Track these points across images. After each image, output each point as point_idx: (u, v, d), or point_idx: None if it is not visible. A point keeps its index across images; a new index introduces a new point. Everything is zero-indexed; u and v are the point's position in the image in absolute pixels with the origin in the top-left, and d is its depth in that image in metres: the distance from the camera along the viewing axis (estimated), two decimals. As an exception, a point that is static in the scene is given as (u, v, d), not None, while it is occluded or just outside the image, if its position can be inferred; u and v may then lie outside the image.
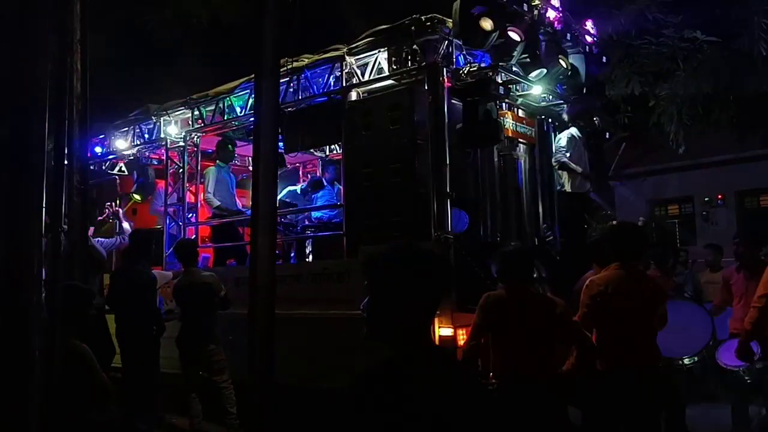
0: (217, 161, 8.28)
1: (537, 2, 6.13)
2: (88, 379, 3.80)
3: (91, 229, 8.08)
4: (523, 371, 3.90)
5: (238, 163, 9.37)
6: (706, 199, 16.19)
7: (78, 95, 5.67)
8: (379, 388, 1.79)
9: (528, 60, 5.98)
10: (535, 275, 6.18)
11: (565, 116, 7.17)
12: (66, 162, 5.51)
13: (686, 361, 5.73)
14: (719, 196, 16.02)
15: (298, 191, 8.65)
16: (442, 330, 5.22)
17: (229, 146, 8.27)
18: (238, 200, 8.41)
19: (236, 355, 5.70)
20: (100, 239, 8.04)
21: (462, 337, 5.03)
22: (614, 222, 6.57)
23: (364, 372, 1.88)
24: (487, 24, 5.41)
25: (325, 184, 8.47)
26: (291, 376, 5.58)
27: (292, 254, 8.04)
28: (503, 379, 3.96)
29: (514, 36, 5.69)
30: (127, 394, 5.87)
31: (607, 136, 7.39)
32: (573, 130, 7.09)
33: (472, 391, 1.81)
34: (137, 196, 8.98)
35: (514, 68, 6.16)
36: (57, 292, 3.44)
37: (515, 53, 5.78)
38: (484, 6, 5.42)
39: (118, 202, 9.36)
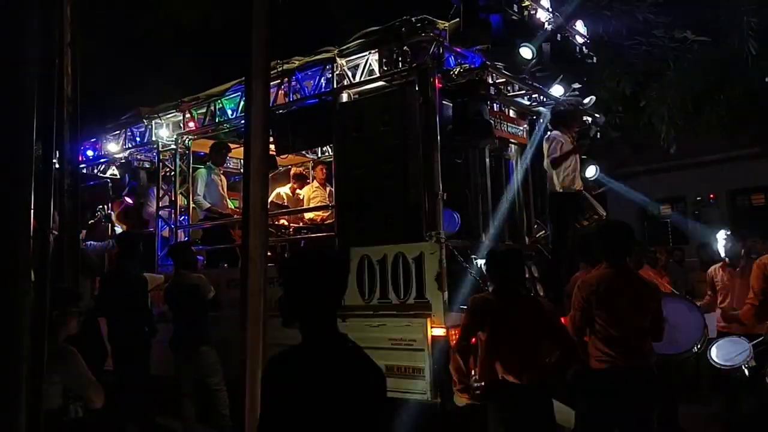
0: (208, 163, 8.27)
1: (527, 3, 6.14)
2: (74, 381, 3.79)
3: (83, 232, 8.07)
4: (510, 372, 3.91)
5: (230, 166, 9.36)
6: (698, 198, 16.25)
7: (68, 98, 5.66)
8: (288, 366, 2.24)
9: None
10: (527, 275, 6.22)
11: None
12: (57, 165, 5.50)
13: (679, 360, 5.74)
14: (711, 196, 16.08)
15: (284, 193, 8.66)
16: (435, 330, 5.23)
17: (224, 150, 8.26)
18: (229, 202, 8.40)
19: (229, 357, 5.70)
20: (91, 243, 8.02)
21: (454, 337, 5.04)
22: (603, 220, 6.57)
23: (278, 354, 2.31)
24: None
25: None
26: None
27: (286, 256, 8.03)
28: (491, 381, 3.97)
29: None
30: (118, 397, 5.84)
31: (599, 136, 7.40)
32: (560, 130, 7.09)
33: (364, 367, 2.24)
34: (129, 199, 8.96)
35: (504, 70, 6.17)
36: (45, 295, 3.43)
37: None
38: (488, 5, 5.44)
39: (109, 205, 9.35)
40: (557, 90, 6.61)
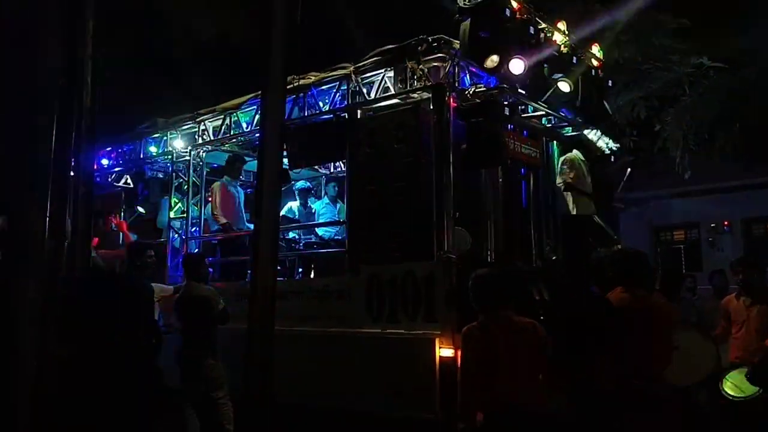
0: (225, 176, 8.30)
1: (543, 25, 6.17)
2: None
3: (95, 240, 8.10)
4: (508, 401, 3.83)
5: (243, 178, 9.39)
6: (712, 225, 16.12)
7: (87, 109, 5.72)
8: None
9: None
10: (537, 298, 6.16)
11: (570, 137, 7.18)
12: (72, 173, 5.55)
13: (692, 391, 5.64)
14: (725, 223, 15.96)
15: (295, 208, 8.66)
16: (443, 350, 5.18)
17: (237, 163, 8.29)
18: (245, 216, 8.40)
19: (235, 371, 5.67)
20: (102, 251, 8.05)
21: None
22: (619, 246, 6.51)
23: None
24: (493, 60, 5.47)
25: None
26: (289, 393, 5.54)
27: (300, 270, 8.01)
28: (490, 413, 3.89)
29: (519, 63, 5.72)
30: (123, 407, 5.81)
31: (612, 160, 7.37)
32: (576, 153, 7.08)
33: None
34: (142, 209, 9.01)
35: (519, 89, 6.18)
36: (55, 302, 3.43)
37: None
38: (491, 29, 5.45)
39: (122, 214, 9.40)
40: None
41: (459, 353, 4.99)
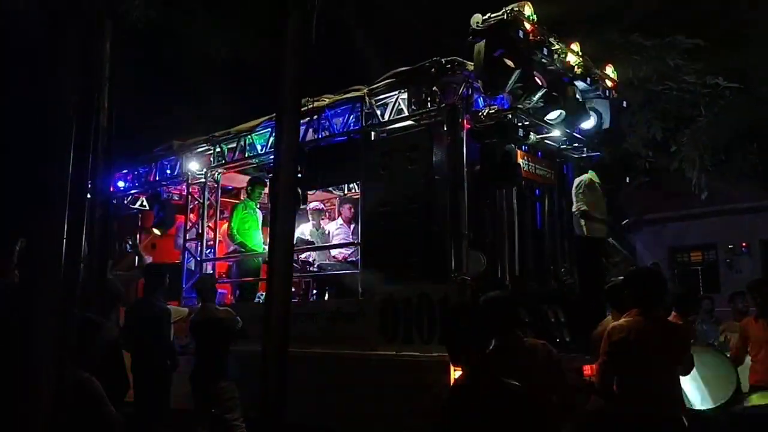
0: (246, 199, 8.36)
1: (557, 46, 6.18)
2: (92, 410, 3.76)
3: (111, 262, 8.14)
4: None
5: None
6: (730, 246, 15.95)
7: (103, 130, 5.80)
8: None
9: (542, 104, 6.02)
10: (553, 320, 6.10)
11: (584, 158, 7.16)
12: (89, 195, 5.61)
13: (711, 414, 5.53)
14: (743, 244, 15.78)
15: (307, 231, 8.69)
16: (457, 373, 5.12)
17: (258, 187, 8.32)
18: (262, 237, 8.41)
19: (248, 393, 5.65)
20: (118, 272, 8.09)
21: (477, 381, 4.93)
22: (633, 267, 6.45)
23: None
24: (511, 65, 5.48)
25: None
26: (303, 415, 5.50)
27: (314, 292, 8.00)
28: None
29: (536, 80, 5.74)
30: (137, 428, 5.81)
31: (627, 181, 7.33)
32: (592, 175, 7.04)
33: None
34: (157, 231, 9.06)
35: (533, 111, 6.18)
36: (72, 323, 3.45)
37: (535, 97, 5.81)
38: (506, 49, 5.48)
39: (138, 236, 9.46)
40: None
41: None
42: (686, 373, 4.18)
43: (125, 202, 9.86)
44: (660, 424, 3.90)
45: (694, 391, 5.09)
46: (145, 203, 9.75)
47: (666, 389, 3.96)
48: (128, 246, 8.91)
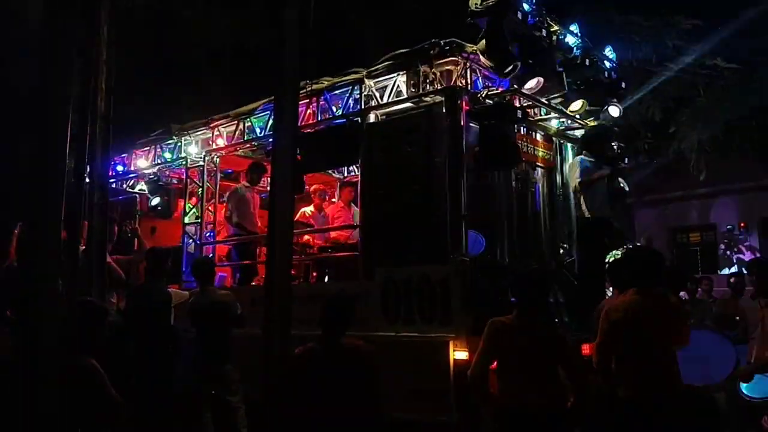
0: (243, 182, 8.35)
1: (555, 28, 6.15)
2: (95, 395, 3.79)
3: (109, 246, 8.15)
4: (528, 401, 3.82)
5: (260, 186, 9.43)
6: (728, 227, 15.97)
7: (102, 115, 5.79)
8: None
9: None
10: (551, 300, 6.13)
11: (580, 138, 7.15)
12: (87, 179, 5.61)
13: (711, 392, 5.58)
14: (742, 224, 15.80)
15: (308, 212, 8.68)
16: (458, 353, 5.17)
17: (257, 171, 8.31)
18: (258, 220, 8.43)
19: (250, 375, 5.68)
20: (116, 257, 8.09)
21: (477, 360, 4.97)
22: (630, 246, 6.46)
23: None
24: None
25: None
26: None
27: (314, 274, 8.03)
28: (507, 408, 3.88)
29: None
30: (140, 413, 5.85)
31: (626, 162, 7.32)
32: (586, 155, 7.04)
33: None
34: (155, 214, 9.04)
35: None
36: (73, 307, 3.47)
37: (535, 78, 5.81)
38: (503, 32, 5.45)
39: (137, 219, 9.47)
40: (575, 105, 6.60)
41: (473, 356, 5.02)
42: (679, 347, 4.19)
43: (124, 186, 9.86)
44: (661, 401, 3.94)
45: (693, 369, 5.12)
46: (144, 187, 9.74)
47: (664, 367, 4.00)
48: (128, 230, 8.90)
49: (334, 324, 3.90)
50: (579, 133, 7.25)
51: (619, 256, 5.49)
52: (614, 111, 6.78)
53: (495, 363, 4.02)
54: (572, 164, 7.03)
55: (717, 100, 9.92)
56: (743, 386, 5.33)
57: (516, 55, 5.48)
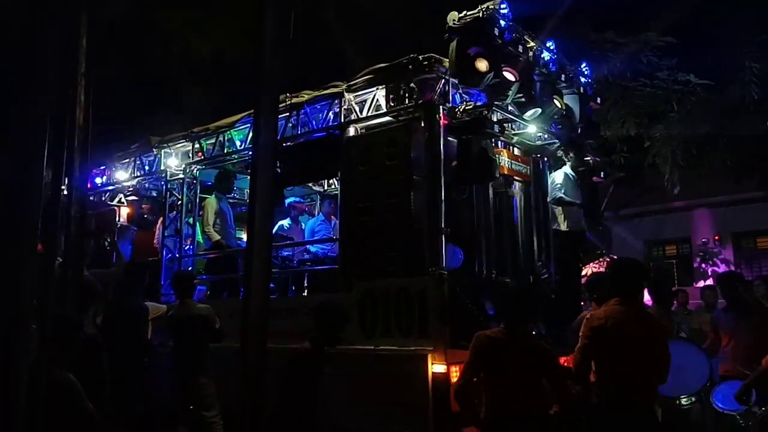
0: (215, 192, 8.31)
1: (532, 44, 6.26)
2: (73, 410, 3.75)
3: (87, 259, 8.07)
4: (514, 409, 3.88)
5: (237, 197, 9.41)
6: (703, 240, 16.24)
7: (80, 126, 5.75)
8: None
9: (523, 99, 6.10)
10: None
11: (559, 154, 7.25)
12: (65, 192, 5.56)
13: (683, 401, 5.67)
14: (716, 237, 16.08)
15: (286, 225, 8.68)
16: (436, 367, 5.19)
17: (228, 179, 8.31)
18: (236, 233, 8.42)
19: (227, 389, 5.65)
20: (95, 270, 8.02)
21: (455, 373, 5.00)
22: (614, 257, 6.57)
23: None
24: (482, 65, 5.53)
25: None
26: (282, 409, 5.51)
27: (293, 288, 8.01)
28: (495, 417, 3.94)
29: (509, 76, 5.81)
30: (115, 427, 5.78)
31: (602, 176, 7.45)
32: (566, 169, 7.15)
33: None
34: (134, 227, 9.00)
35: (509, 107, 6.26)
36: (48, 321, 3.44)
37: (510, 93, 5.88)
38: (480, 47, 5.54)
39: (116, 233, 9.38)
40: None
41: (451, 369, 5.04)
42: (665, 373, 4.25)
43: (103, 198, 9.78)
44: (637, 410, 4.00)
45: (669, 380, 5.20)
46: (123, 200, 9.68)
47: (640, 377, 4.06)
48: (106, 243, 8.83)
49: None
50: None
51: (597, 269, 5.57)
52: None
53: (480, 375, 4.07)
54: (554, 177, 7.12)
55: (689, 115, 10.15)
56: (716, 398, 5.43)
57: (486, 72, 5.57)
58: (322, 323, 4.60)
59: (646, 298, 7.17)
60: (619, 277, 4.32)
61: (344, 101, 6.58)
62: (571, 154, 7.01)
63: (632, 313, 4.14)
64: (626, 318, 4.10)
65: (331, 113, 6.74)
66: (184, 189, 8.30)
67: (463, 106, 5.97)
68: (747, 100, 9.35)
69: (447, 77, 5.91)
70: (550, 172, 7.32)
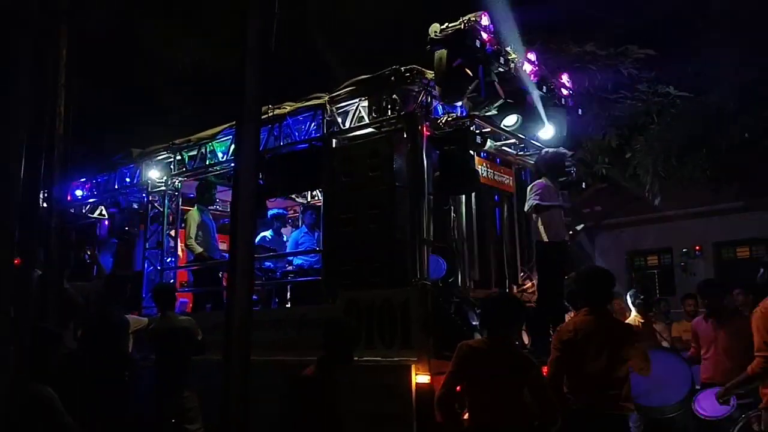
0: (197, 205, 8.26)
1: (514, 56, 6.32)
2: (52, 423, 3.70)
3: (67, 272, 7.98)
4: (497, 419, 3.88)
5: (220, 209, 9.36)
6: (684, 250, 16.39)
7: (60, 138, 5.71)
8: None
9: (507, 111, 6.15)
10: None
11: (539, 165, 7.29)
12: (45, 204, 5.51)
13: (666, 411, 5.69)
14: (697, 248, 16.24)
15: (269, 237, 8.64)
16: (419, 377, 5.18)
17: (209, 190, 8.26)
18: (219, 245, 8.36)
19: (209, 402, 5.60)
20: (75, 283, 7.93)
21: (439, 383, 4.99)
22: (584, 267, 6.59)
23: None
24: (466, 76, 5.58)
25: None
26: (267, 424, 5.47)
27: (276, 300, 7.97)
28: (478, 426, 3.93)
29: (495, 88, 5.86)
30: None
31: (584, 186, 7.51)
32: (545, 180, 7.19)
33: None
34: (116, 240, 8.92)
35: (491, 118, 6.30)
36: (27, 334, 3.39)
37: (492, 104, 5.93)
38: (462, 58, 5.58)
39: (97, 245, 9.29)
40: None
41: (435, 379, 5.03)
42: (645, 371, 4.29)
43: (83, 211, 9.68)
44: (606, 418, 4.03)
45: (651, 389, 5.22)
46: (104, 212, 9.58)
47: (609, 385, 4.08)
48: (86, 256, 8.74)
49: None
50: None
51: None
52: (545, 132, 6.72)
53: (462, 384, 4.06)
54: (531, 187, 7.15)
55: (669, 126, 10.29)
56: (698, 404, 5.47)
57: (470, 88, 5.61)
58: (333, 342, 4.29)
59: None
60: (587, 287, 4.35)
61: (327, 112, 6.58)
62: (550, 165, 7.03)
63: (600, 321, 4.18)
64: (595, 328, 4.13)
65: (313, 124, 6.75)
66: (166, 201, 8.24)
67: (445, 118, 6.01)
68: (725, 111, 9.50)
69: (429, 89, 5.94)
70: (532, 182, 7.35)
